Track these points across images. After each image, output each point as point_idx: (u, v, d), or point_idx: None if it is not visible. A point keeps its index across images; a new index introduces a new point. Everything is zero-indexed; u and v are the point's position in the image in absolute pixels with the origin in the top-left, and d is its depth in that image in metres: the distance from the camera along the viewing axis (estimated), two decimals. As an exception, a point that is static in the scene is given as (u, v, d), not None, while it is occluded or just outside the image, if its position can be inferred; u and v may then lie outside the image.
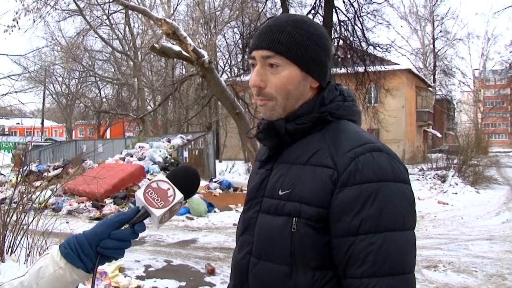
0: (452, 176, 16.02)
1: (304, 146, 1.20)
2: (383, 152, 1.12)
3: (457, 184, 15.31)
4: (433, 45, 44.62)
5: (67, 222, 8.91)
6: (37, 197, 6.10)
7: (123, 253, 1.12)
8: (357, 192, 1.07)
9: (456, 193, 14.46)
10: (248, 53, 1.26)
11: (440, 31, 44.66)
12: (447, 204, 12.98)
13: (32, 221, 5.32)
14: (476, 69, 54.48)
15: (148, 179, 12.63)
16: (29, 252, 5.10)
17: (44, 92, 36.77)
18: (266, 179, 1.24)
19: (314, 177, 1.13)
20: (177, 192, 1.14)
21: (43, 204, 6.51)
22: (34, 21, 15.55)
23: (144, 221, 1.13)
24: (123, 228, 1.11)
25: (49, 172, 14.96)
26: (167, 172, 11.36)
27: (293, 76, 1.19)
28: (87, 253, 1.07)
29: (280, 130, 1.21)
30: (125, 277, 5.80)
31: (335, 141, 1.16)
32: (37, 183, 7.80)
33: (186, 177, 1.20)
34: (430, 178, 16.76)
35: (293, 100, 1.21)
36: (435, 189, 15.14)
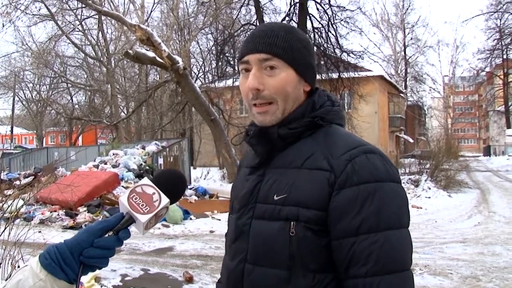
0: (425, 180, 16.34)
1: (297, 151, 1.21)
2: (376, 154, 1.16)
3: (430, 189, 15.62)
4: (404, 52, 45.64)
5: (40, 232, 8.70)
6: (8, 206, 5.92)
7: (107, 262, 1.07)
8: (355, 193, 1.09)
9: (429, 197, 14.74)
10: (238, 58, 1.27)
11: (411, 39, 45.80)
12: (421, 208, 13.18)
13: (4, 231, 5.16)
14: (445, 76, 55.85)
15: (122, 186, 12.44)
16: (0, 263, 4.94)
17: (14, 99, 36.03)
18: (258, 184, 1.23)
19: (310, 180, 1.15)
20: (163, 196, 1.09)
21: (15, 213, 6.32)
22: (4, 26, 15.29)
23: (129, 227, 1.09)
24: (106, 235, 1.06)
25: (20, 180, 14.60)
26: (141, 179, 11.25)
27: (290, 79, 1.22)
28: (69, 263, 1.02)
29: (272, 135, 1.22)
30: (101, 287, 5.68)
31: (329, 145, 1.19)
32: (9, 192, 7.58)
33: (172, 180, 1.16)
34: (403, 183, 16.94)
35: (291, 103, 1.23)
36: (409, 193, 15.31)
